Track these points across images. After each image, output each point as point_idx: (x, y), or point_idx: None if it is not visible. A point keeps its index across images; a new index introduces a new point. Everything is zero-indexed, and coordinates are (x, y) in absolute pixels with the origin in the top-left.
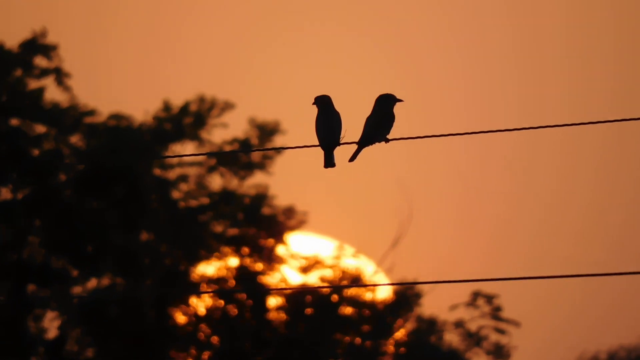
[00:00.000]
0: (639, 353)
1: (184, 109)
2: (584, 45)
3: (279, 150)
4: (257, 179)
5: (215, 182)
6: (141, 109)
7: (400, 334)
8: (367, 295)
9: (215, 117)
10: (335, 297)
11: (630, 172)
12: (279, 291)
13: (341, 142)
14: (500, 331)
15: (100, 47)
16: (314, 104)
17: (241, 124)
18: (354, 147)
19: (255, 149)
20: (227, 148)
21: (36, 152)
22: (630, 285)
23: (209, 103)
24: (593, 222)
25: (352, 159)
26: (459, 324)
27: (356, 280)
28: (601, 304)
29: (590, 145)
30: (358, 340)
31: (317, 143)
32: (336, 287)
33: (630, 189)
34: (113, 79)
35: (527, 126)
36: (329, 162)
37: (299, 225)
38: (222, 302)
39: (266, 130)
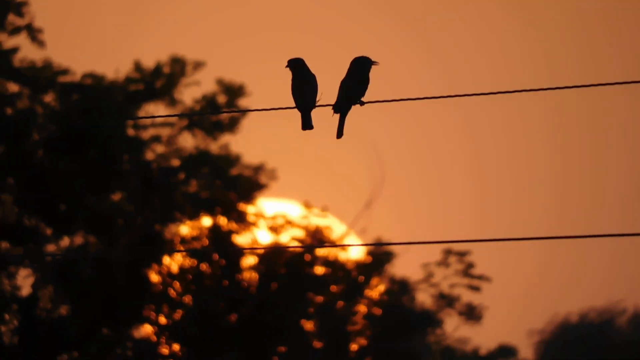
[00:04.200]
0: (609, 315)
1: (156, 69)
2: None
3: (253, 111)
4: (226, 139)
5: (187, 142)
6: (113, 67)
7: (373, 294)
8: (340, 256)
9: (186, 76)
10: (307, 257)
11: (608, 137)
12: (251, 251)
13: (317, 104)
14: (474, 288)
15: (71, 5)
16: (287, 67)
17: (211, 83)
18: (330, 109)
19: (230, 109)
20: (197, 108)
21: (9, 111)
22: (602, 247)
23: (180, 63)
24: (567, 183)
25: (339, 135)
26: (431, 284)
27: (327, 241)
28: (572, 266)
29: (563, 108)
30: (331, 300)
31: (291, 104)
32: (309, 246)
33: (603, 152)
34: (84, 36)
35: (501, 90)
36: (307, 124)
37: (270, 185)
38: (195, 261)
39: (233, 92)
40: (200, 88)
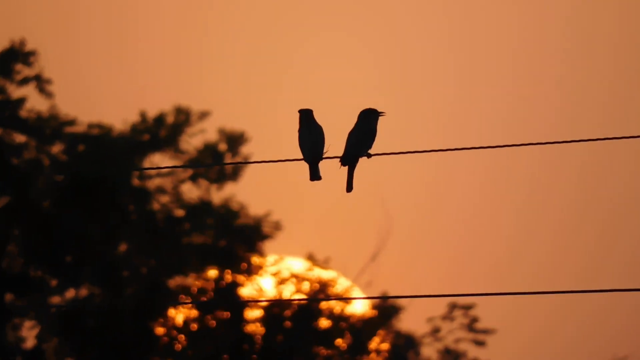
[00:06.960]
0: None
1: (159, 119)
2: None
3: (260, 163)
4: (230, 189)
5: (192, 192)
6: (118, 117)
7: (378, 348)
8: (346, 309)
9: (191, 125)
10: (313, 310)
11: (614, 187)
12: (256, 303)
13: (324, 156)
14: (479, 343)
15: (77, 56)
16: (299, 114)
17: (214, 133)
18: (337, 160)
19: (236, 162)
20: (200, 158)
21: (16, 161)
22: (607, 302)
23: (184, 113)
24: (571, 237)
25: (349, 189)
26: (436, 338)
27: (332, 294)
28: (579, 320)
29: (570, 161)
30: (336, 353)
31: (298, 156)
32: (314, 299)
33: (608, 202)
34: (91, 87)
35: (508, 143)
36: (315, 175)
37: (275, 235)
38: (200, 313)
39: (234, 140)
40: (203, 137)
